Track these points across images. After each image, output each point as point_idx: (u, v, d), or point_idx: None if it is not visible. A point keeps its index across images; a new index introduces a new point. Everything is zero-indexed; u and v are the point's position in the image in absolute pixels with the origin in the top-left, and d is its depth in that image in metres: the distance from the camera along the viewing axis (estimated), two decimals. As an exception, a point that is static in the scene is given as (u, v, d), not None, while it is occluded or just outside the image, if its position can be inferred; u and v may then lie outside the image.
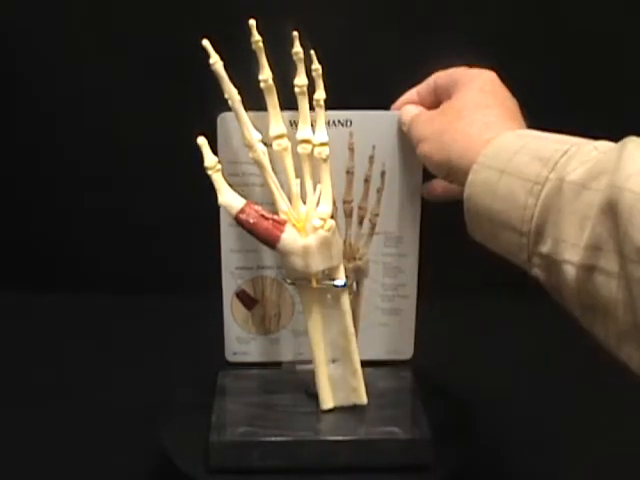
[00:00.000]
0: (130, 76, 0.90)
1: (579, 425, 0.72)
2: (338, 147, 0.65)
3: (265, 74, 0.62)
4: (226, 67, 0.60)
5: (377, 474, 0.60)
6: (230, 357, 0.72)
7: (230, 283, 0.70)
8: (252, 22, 0.59)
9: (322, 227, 0.61)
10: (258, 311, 0.71)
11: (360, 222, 0.69)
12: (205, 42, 0.60)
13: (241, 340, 0.72)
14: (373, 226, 0.69)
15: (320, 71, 0.61)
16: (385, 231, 0.69)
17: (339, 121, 0.66)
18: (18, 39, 0.88)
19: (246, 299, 0.71)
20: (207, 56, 0.60)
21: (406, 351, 0.72)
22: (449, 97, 0.60)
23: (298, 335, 0.71)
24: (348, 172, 0.67)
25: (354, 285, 0.70)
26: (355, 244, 0.69)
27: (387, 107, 0.67)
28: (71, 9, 0.88)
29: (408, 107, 0.65)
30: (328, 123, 0.64)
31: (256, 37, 0.60)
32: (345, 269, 0.64)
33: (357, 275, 0.70)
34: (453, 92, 0.60)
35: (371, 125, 0.66)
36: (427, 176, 0.66)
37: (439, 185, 0.66)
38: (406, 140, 0.65)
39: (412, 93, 0.66)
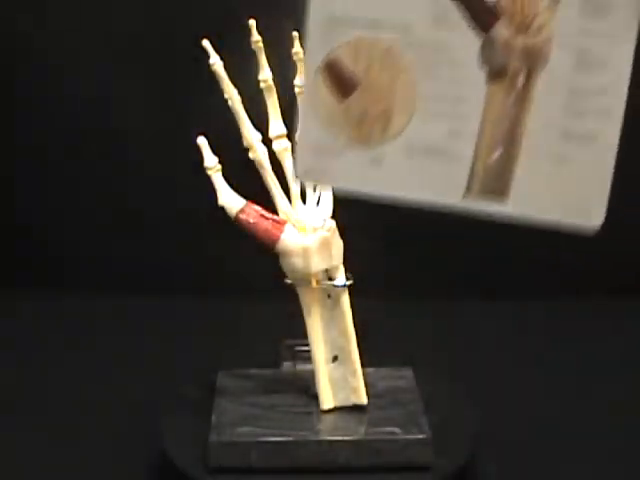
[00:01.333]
0: (130, 76, 0.90)
1: (580, 425, 0.72)
2: None
3: (265, 74, 0.62)
4: (226, 67, 0.60)
5: (377, 474, 0.60)
6: (301, 176, 0.51)
7: (318, 45, 0.46)
8: (252, 22, 0.59)
9: (322, 227, 0.61)
10: (356, 101, 0.48)
11: None
12: (205, 42, 0.60)
13: (323, 151, 0.48)
14: None
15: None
16: None
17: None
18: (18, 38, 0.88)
19: (340, 76, 0.47)
20: (207, 56, 0.60)
21: (594, 213, 0.48)
22: None
23: (416, 156, 0.48)
24: None
25: (520, 76, 0.47)
26: (530, 5, 0.46)
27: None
28: (71, 9, 0.88)
29: None
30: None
31: (256, 37, 0.60)
32: (509, 47, 0.47)
33: (529, 60, 0.47)
34: None
35: None
36: None
37: None
38: None
39: None
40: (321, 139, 0.49)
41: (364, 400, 0.65)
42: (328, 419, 0.63)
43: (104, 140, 0.93)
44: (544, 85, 0.48)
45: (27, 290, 0.92)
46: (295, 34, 0.60)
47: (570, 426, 0.71)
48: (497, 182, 0.48)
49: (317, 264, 0.61)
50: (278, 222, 0.61)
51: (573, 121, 0.47)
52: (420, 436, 0.61)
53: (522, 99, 0.48)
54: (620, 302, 0.88)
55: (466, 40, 0.48)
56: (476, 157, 0.48)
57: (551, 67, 0.47)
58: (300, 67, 0.61)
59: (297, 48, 0.61)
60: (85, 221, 0.96)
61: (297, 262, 0.61)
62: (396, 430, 0.61)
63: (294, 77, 0.62)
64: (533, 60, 0.47)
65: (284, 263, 0.62)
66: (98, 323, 0.91)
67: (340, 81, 0.48)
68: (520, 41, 0.47)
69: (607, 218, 0.47)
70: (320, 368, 0.64)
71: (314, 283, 0.62)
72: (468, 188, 0.49)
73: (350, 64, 0.48)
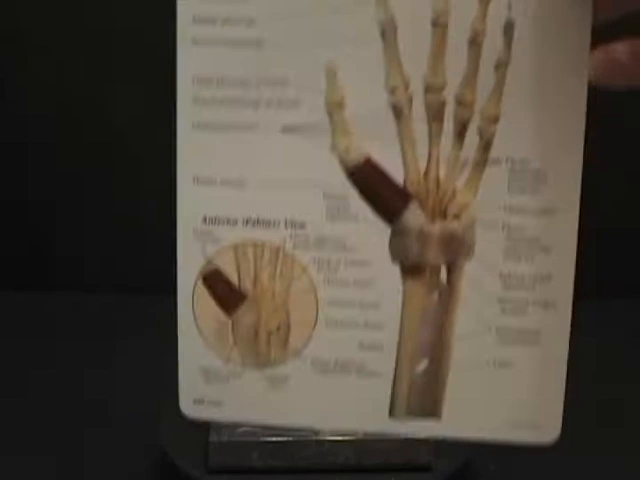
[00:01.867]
0: (130, 77, 0.89)
1: (580, 425, 0.65)
2: None
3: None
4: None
5: (377, 474, 0.61)
6: (188, 409, 0.42)
7: (191, 253, 0.41)
8: None
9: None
10: (245, 317, 0.41)
11: (460, 133, 0.38)
12: None
13: (211, 376, 0.41)
14: (486, 144, 0.38)
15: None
16: (511, 157, 0.38)
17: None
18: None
19: (222, 290, 0.40)
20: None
21: (549, 427, 0.40)
22: None
23: (326, 373, 0.41)
24: (436, 23, 0.38)
25: (441, 272, 0.40)
26: (447, 181, 0.39)
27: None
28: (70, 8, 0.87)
29: None
30: None
31: None
32: (424, 236, 0.39)
33: (449, 251, 0.39)
34: None
35: None
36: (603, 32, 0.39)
37: None
38: None
39: None
40: (209, 361, 0.41)
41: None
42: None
43: (103, 140, 0.92)
44: (471, 278, 0.39)
45: (28, 290, 0.92)
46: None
47: (570, 426, 0.65)
48: (426, 400, 0.40)
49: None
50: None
51: (511, 318, 0.39)
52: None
53: (446, 297, 0.39)
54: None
55: (371, 232, 0.39)
56: (398, 371, 0.40)
57: (478, 256, 0.38)
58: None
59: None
60: (84, 221, 0.95)
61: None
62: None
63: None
64: (454, 250, 0.39)
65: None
66: (99, 322, 0.89)
67: (223, 294, 0.40)
68: (437, 228, 0.39)
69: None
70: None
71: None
72: (392, 409, 0.40)
73: (233, 273, 0.39)
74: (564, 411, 0.40)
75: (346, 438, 0.61)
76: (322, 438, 0.61)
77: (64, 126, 0.92)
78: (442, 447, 0.61)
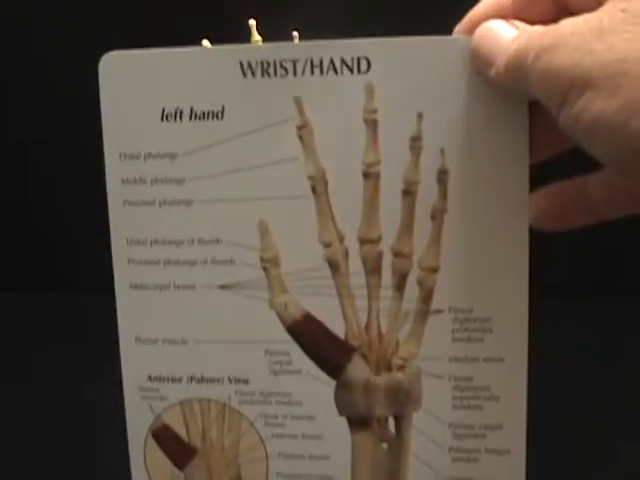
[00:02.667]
0: None
1: (581, 425, 0.66)
2: (344, 117, 0.37)
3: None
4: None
5: None
6: None
7: (139, 410, 0.40)
8: (252, 22, 0.51)
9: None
10: (197, 472, 0.41)
11: (399, 285, 0.38)
12: (205, 42, 0.52)
13: None
14: (427, 295, 0.37)
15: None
16: (454, 307, 0.38)
17: (345, 62, 0.36)
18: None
19: (172, 445, 0.40)
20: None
21: None
22: None
23: None
24: (368, 174, 0.37)
25: (389, 426, 0.39)
26: (389, 333, 0.38)
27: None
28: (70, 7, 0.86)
29: (495, 25, 0.34)
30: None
31: (256, 37, 0.52)
32: (370, 388, 0.38)
33: (396, 402, 0.38)
34: None
35: (411, 70, 0.36)
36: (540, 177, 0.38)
37: (587, 195, 0.36)
38: (492, 98, 0.35)
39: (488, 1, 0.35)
40: None
41: None
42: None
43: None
44: (420, 429, 0.38)
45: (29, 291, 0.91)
46: (295, 34, 0.52)
47: (570, 426, 0.66)
48: None
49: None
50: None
51: (463, 466, 0.38)
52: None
53: (396, 448, 0.39)
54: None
55: (316, 386, 0.38)
56: (352, 524, 0.39)
57: (425, 406, 0.38)
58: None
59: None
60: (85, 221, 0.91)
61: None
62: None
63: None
64: (401, 401, 0.38)
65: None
66: (99, 322, 0.89)
67: (173, 449, 0.39)
68: (382, 381, 0.38)
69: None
70: None
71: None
72: None
73: (182, 429, 0.39)
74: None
75: None
76: None
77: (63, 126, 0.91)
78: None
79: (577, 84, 0.28)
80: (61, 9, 0.84)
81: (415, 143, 0.36)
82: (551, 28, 0.30)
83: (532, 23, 0.33)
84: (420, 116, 0.36)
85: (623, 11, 0.28)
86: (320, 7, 0.79)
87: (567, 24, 0.29)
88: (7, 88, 0.89)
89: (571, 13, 0.31)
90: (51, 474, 0.65)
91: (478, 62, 0.34)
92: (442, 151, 0.36)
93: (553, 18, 0.32)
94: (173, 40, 0.39)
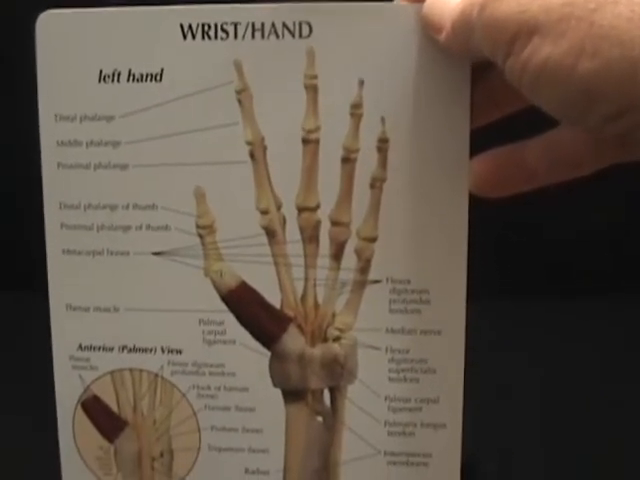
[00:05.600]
0: None
1: (581, 424, 0.67)
2: (284, 82, 0.36)
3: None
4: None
5: None
6: None
7: (68, 381, 0.39)
8: None
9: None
10: (127, 444, 0.40)
11: (337, 254, 0.37)
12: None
13: None
14: (365, 265, 0.37)
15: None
16: (391, 277, 0.37)
17: (286, 26, 0.36)
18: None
19: (102, 417, 0.39)
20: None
21: None
22: None
23: None
24: (307, 140, 0.36)
25: (324, 399, 0.38)
26: (325, 303, 0.38)
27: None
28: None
29: None
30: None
31: None
32: (305, 360, 0.38)
33: (331, 375, 0.38)
34: None
35: (353, 36, 0.35)
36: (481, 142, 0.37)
37: (531, 161, 0.36)
38: (433, 66, 0.35)
39: None
40: None
41: None
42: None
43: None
44: (355, 401, 0.37)
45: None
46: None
47: (571, 426, 0.67)
48: (315, 529, 0.38)
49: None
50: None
51: (399, 441, 0.37)
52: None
53: (331, 421, 0.38)
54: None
55: (250, 357, 0.38)
56: (285, 498, 0.38)
57: (361, 379, 0.37)
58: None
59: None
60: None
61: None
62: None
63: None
64: (336, 373, 0.37)
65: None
66: None
67: (103, 421, 0.38)
68: (317, 352, 0.37)
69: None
70: None
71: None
72: (283, 537, 0.39)
73: (112, 400, 0.38)
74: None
75: None
76: None
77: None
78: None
79: (523, 30, 0.28)
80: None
81: (355, 110, 0.36)
82: None
83: None
84: (361, 83, 0.35)
85: None
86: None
87: None
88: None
89: None
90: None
91: (428, 28, 0.34)
92: (382, 119, 0.36)
93: None
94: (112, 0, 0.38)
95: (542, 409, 0.70)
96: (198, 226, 0.37)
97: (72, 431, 0.39)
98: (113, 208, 0.37)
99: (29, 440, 0.62)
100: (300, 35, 0.36)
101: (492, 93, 0.35)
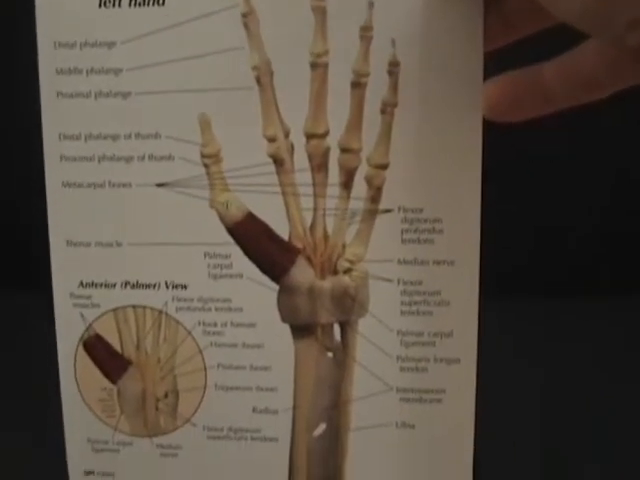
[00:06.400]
0: None
1: (581, 424, 0.66)
2: (292, 5, 0.35)
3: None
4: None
5: None
6: None
7: (69, 319, 0.38)
8: None
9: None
10: (130, 385, 0.39)
11: (346, 182, 0.36)
12: None
13: (100, 446, 0.39)
14: (376, 194, 0.36)
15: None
16: (403, 206, 0.36)
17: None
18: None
19: (104, 357, 0.38)
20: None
21: None
22: None
23: (219, 439, 0.38)
24: (316, 64, 0.35)
25: (334, 334, 0.37)
26: (335, 234, 0.36)
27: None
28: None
29: None
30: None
31: None
32: (314, 293, 0.36)
33: (341, 308, 0.37)
34: None
35: None
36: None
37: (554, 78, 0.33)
38: None
39: None
40: (96, 431, 0.39)
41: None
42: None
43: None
44: (367, 336, 0.36)
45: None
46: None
47: (571, 426, 0.66)
48: (325, 469, 0.37)
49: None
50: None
51: (411, 376, 0.36)
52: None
53: (341, 357, 0.37)
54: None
55: (258, 291, 0.36)
56: (294, 437, 0.37)
57: (372, 313, 0.36)
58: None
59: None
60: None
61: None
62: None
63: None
64: (347, 307, 0.36)
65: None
66: None
67: (105, 361, 0.37)
68: (327, 285, 0.36)
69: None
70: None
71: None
72: (291, 477, 0.37)
73: (115, 339, 0.37)
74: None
75: None
76: None
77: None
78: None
79: None
80: None
81: (365, 33, 0.35)
82: None
83: None
84: (371, 4, 0.34)
85: None
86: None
87: None
88: None
89: None
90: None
91: None
92: (393, 42, 0.35)
93: None
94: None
95: (542, 409, 0.69)
96: (203, 155, 0.36)
97: (74, 373, 0.38)
98: (115, 138, 0.36)
99: (29, 440, 0.61)
100: (308, -45, 0.34)
101: (507, 14, 0.34)
